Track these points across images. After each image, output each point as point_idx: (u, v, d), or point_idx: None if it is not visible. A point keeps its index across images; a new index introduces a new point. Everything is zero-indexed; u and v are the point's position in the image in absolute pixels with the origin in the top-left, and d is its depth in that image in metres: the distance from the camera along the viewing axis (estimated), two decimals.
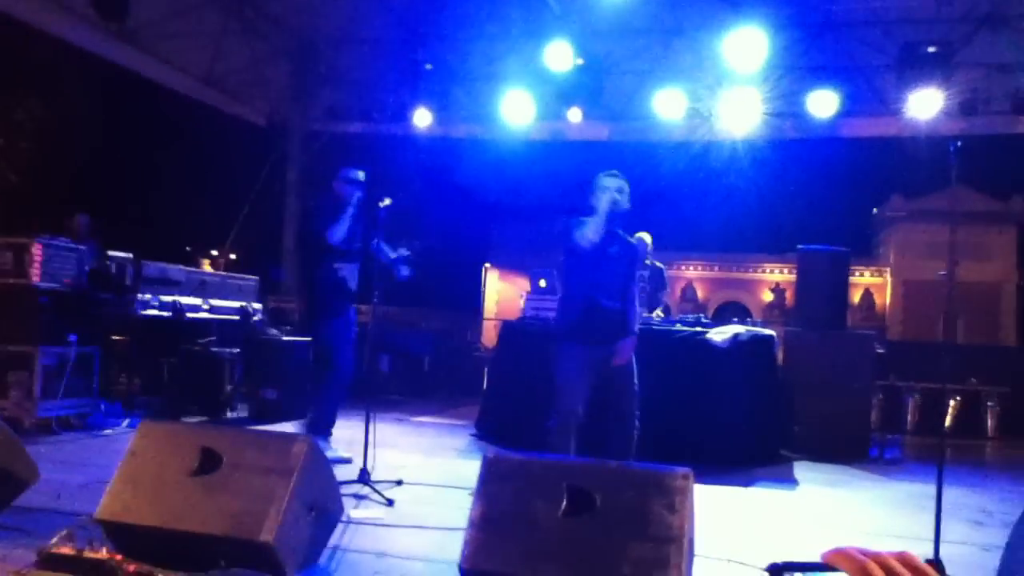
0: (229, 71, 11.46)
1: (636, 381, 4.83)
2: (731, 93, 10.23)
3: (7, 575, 2.94)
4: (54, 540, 3.03)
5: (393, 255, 5.94)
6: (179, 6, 9.85)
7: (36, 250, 6.34)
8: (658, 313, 7.72)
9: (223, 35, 10.72)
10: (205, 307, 7.74)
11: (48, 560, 2.97)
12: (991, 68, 10.25)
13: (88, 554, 2.97)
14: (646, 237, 9.06)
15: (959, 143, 4.17)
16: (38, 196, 18.04)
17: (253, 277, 8.71)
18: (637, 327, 4.89)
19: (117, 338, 7.36)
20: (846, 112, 10.38)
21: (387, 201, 5.55)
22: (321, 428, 5.84)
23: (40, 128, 18.42)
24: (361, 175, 6.03)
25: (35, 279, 6.32)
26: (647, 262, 8.40)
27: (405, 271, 5.98)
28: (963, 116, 10.30)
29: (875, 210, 22.04)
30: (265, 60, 11.62)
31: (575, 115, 10.86)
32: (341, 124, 12.94)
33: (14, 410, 6.14)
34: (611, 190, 4.80)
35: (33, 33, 9.52)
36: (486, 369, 9.55)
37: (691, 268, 22.06)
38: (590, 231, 4.75)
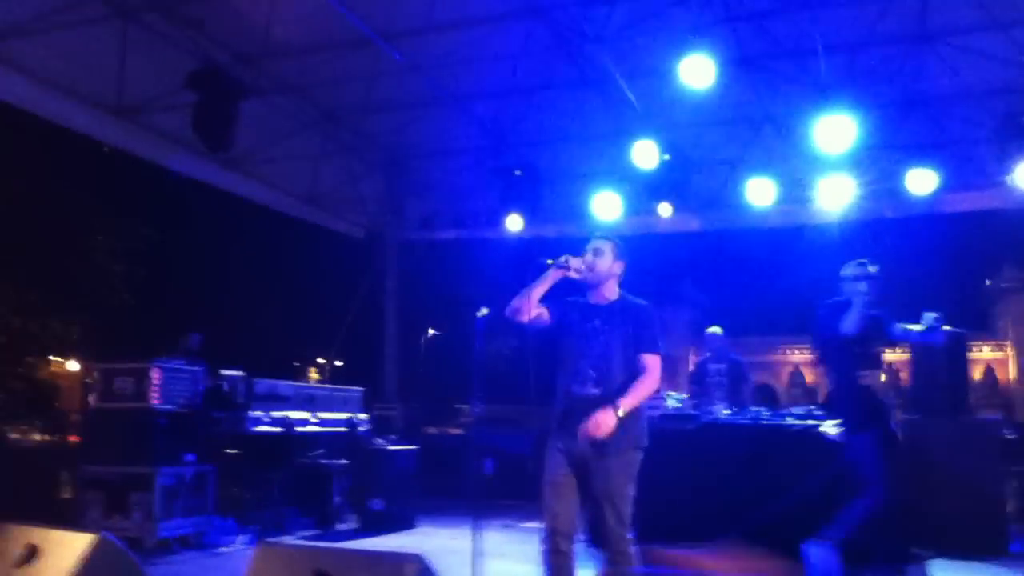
0: (327, 189, 12.01)
1: (630, 491, 4.16)
2: (824, 177, 10.09)
3: None
4: None
5: (920, 328, 5.59)
6: (279, 132, 10.43)
7: (155, 374, 6.65)
8: (724, 411, 7.18)
9: (320, 156, 11.30)
10: (313, 420, 7.92)
11: None
12: None
13: None
14: (717, 330, 8.96)
15: None
16: (151, 315, 18.99)
17: (358, 388, 8.89)
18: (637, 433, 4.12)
19: (230, 454, 7.56)
20: (946, 187, 10.11)
21: (484, 311, 5.55)
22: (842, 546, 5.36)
23: (155, 253, 19.53)
24: (871, 268, 5.63)
25: (154, 402, 6.60)
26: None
27: (939, 338, 5.70)
28: None
29: (987, 282, 21.18)
30: (360, 176, 12.14)
31: (665, 209, 10.86)
32: (435, 232, 13.29)
33: (136, 531, 6.35)
34: (579, 257, 4.34)
35: (143, 164, 10.18)
36: None
37: (797, 352, 21.48)
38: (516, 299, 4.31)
